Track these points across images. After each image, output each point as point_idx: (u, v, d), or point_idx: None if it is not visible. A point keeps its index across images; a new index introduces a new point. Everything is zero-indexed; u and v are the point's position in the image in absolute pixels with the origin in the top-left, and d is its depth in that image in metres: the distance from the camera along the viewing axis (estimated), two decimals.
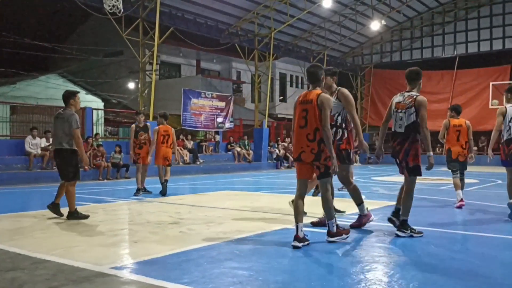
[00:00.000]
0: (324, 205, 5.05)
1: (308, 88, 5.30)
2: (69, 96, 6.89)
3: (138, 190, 9.85)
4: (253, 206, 8.07)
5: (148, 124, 10.32)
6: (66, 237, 5.44)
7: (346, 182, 5.89)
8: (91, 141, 15.21)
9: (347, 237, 5.09)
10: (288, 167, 22.06)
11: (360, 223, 5.85)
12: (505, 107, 6.80)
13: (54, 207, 6.80)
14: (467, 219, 6.84)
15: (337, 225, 5.09)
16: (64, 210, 6.78)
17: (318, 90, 5.04)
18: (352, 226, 5.77)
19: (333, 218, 5.05)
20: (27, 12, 30.40)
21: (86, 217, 6.63)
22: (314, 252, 4.71)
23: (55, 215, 6.78)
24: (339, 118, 5.67)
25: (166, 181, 9.93)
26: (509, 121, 6.64)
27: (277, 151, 22.57)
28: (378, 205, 7.94)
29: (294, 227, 4.88)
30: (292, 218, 6.33)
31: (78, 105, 6.98)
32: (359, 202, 5.88)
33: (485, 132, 26.75)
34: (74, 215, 6.62)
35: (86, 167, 7.24)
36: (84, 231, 5.74)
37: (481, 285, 3.62)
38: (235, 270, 3.93)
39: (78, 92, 7.35)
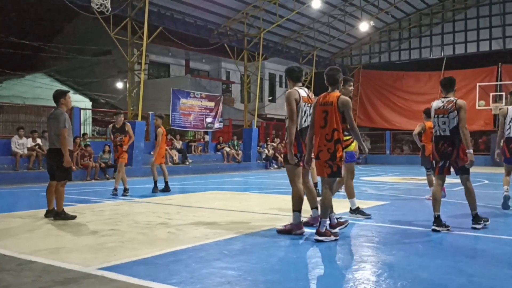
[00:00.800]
0: (323, 202, 5.11)
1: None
2: (59, 95, 6.84)
3: (125, 190, 9.79)
4: (242, 206, 8.07)
5: (128, 124, 10.09)
6: (53, 238, 5.38)
7: (291, 183, 5.62)
8: (79, 141, 15.08)
9: (335, 240, 5.05)
10: (277, 167, 22.08)
11: (285, 229, 5.45)
12: (507, 108, 7.32)
13: (51, 214, 6.71)
14: (454, 219, 6.90)
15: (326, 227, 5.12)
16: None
17: (337, 93, 5.26)
18: (279, 232, 5.47)
19: (326, 218, 5.08)
20: (13, 11, 30.04)
21: (73, 217, 6.57)
22: (303, 251, 4.72)
23: (43, 217, 6.72)
24: (287, 121, 5.50)
25: (167, 182, 10.58)
26: (510, 121, 7.25)
27: (266, 151, 22.58)
28: (366, 205, 7.98)
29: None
30: (282, 218, 6.35)
31: (69, 104, 6.95)
32: (294, 209, 5.50)
33: (472, 132, 27.05)
34: (61, 215, 6.56)
35: (71, 167, 7.13)
36: (71, 232, 5.68)
37: (468, 283, 3.66)
38: (223, 270, 3.92)
39: (69, 91, 7.30)
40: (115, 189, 9.78)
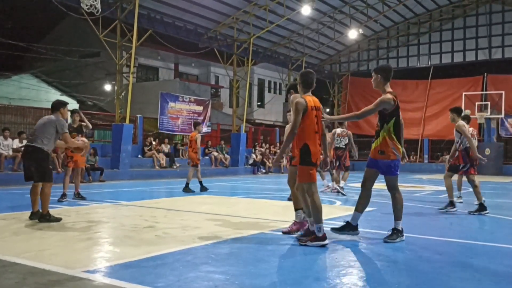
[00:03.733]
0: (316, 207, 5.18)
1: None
2: (60, 105, 7.07)
3: (63, 195, 9.05)
4: (229, 210, 8.04)
5: (83, 124, 9.59)
6: (37, 240, 5.30)
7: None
8: None
9: (323, 245, 5.01)
10: (265, 172, 22.09)
11: (292, 229, 5.70)
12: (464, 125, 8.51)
13: (36, 216, 6.61)
14: (438, 226, 6.98)
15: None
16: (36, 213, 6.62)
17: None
18: (284, 232, 5.70)
19: (320, 222, 5.04)
20: (1, 10, 29.71)
21: (58, 220, 6.49)
22: (290, 256, 4.71)
23: (27, 219, 6.62)
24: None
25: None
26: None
27: (253, 156, 22.57)
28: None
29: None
30: (269, 222, 6.35)
31: (65, 115, 7.15)
32: (296, 207, 5.81)
33: None
34: (46, 217, 6.47)
35: (51, 168, 6.98)
36: (56, 234, 5.60)
37: None
38: (211, 274, 3.90)
39: (67, 103, 7.41)
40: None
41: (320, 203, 5.08)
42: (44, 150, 6.61)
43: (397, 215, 5.49)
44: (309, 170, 5.07)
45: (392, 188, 5.59)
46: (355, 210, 5.66)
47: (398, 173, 5.54)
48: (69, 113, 9.14)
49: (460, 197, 9.66)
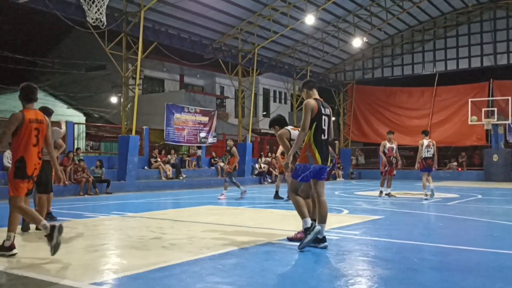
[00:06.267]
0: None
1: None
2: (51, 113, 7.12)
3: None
4: (236, 220, 8.02)
5: None
6: (45, 252, 5.29)
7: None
8: (72, 155, 14.98)
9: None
10: (271, 182, 22.02)
11: (296, 237, 5.74)
12: (423, 140, 11.76)
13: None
14: (448, 233, 6.91)
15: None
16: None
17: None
18: (289, 239, 5.77)
19: None
20: (7, 25, 30.08)
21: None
22: (298, 266, 4.68)
23: (34, 231, 6.63)
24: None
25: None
26: (426, 147, 11.85)
27: (257, 166, 22.55)
28: (361, 219, 7.97)
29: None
30: (276, 232, 6.31)
31: None
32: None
33: (465, 148, 27.25)
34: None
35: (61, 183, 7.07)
36: (63, 247, 5.58)
37: None
38: (218, 285, 3.87)
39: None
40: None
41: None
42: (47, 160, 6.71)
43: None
44: (20, 183, 5.02)
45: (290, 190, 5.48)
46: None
47: (299, 178, 5.33)
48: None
49: (426, 194, 12.02)
